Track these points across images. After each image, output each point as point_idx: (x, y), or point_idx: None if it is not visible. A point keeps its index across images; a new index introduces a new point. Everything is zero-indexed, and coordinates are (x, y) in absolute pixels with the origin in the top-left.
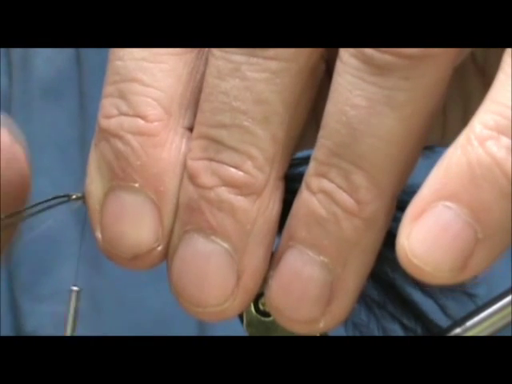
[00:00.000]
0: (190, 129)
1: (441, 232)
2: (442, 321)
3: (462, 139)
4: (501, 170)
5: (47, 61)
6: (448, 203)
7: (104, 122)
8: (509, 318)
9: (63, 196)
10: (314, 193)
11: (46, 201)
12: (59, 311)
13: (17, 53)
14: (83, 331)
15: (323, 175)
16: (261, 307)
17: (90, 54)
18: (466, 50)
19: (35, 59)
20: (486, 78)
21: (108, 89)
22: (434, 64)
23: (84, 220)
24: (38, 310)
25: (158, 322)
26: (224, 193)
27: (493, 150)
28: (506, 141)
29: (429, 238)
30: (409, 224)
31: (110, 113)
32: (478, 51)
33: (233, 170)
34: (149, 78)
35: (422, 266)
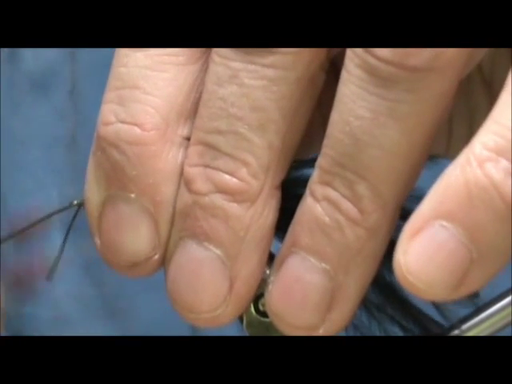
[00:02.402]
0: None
1: (435, 251)
2: (442, 323)
3: (461, 159)
4: (498, 192)
5: (37, 54)
6: (444, 222)
7: (102, 130)
8: (509, 318)
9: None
10: (318, 200)
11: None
12: (38, 314)
13: None
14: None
15: (328, 183)
16: (261, 308)
17: (84, 51)
18: (473, 63)
19: (24, 52)
20: (492, 90)
21: (109, 95)
22: (439, 77)
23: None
24: (20, 312)
25: (149, 332)
26: (218, 199)
27: (491, 172)
28: (504, 163)
29: (424, 256)
30: (406, 241)
31: (109, 120)
32: (485, 64)
33: (227, 176)
34: (150, 86)
35: (416, 283)
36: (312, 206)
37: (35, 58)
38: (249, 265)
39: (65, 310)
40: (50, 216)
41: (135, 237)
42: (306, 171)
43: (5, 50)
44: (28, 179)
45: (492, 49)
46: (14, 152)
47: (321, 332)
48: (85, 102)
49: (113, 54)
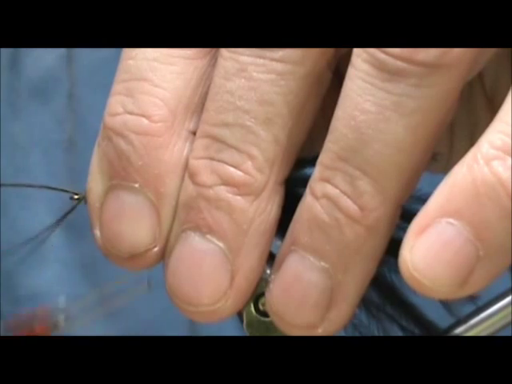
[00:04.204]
0: (196, 133)
1: (442, 248)
2: (441, 323)
3: (469, 157)
4: (505, 190)
5: (37, 60)
6: (451, 220)
7: (109, 120)
8: (509, 318)
9: (63, 190)
10: (317, 198)
11: (49, 187)
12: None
13: (6, 50)
14: None
15: (327, 180)
16: (261, 307)
17: (80, 54)
18: (478, 66)
19: (25, 58)
20: (494, 105)
21: (117, 87)
22: (446, 74)
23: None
24: (16, 312)
25: (147, 332)
26: (222, 191)
27: (498, 169)
28: (511, 162)
29: (430, 253)
30: (412, 238)
31: (116, 111)
32: (488, 79)
33: (232, 169)
34: (158, 78)
35: (421, 280)
36: (311, 204)
37: (35, 65)
38: (250, 259)
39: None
40: (59, 222)
41: (136, 227)
42: (307, 170)
43: (6, 57)
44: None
45: (495, 64)
46: (14, 157)
47: (320, 331)
48: (82, 106)
49: (109, 58)
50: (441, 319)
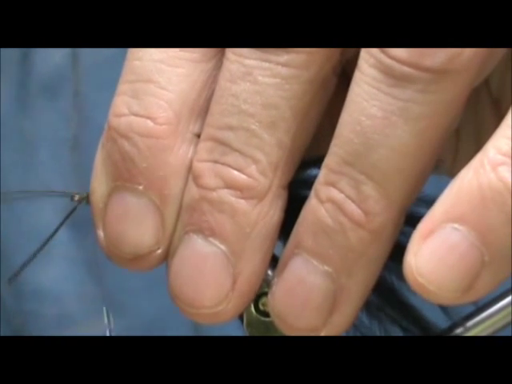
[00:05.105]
0: (200, 136)
1: (447, 253)
2: (441, 324)
3: (475, 162)
4: (511, 195)
5: (45, 58)
6: (456, 225)
7: (114, 121)
8: (509, 318)
9: (65, 193)
10: (322, 201)
11: (50, 192)
12: (41, 311)
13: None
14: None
15: (332, 184)
16: (261, 307)
17: (86, 53)
18: (485, 72)
19: (35, 55)
20: (500, 109)
21: (122, 87)
22: (453, 80)
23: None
24: (22, 309)
25: (151, 330)
26: (226, 195)
27: (505, 175)
28: None
29: (435, 258)
30: (417, 242)
31: (121, 111)
32: (494, 82)
33: (236, 172)
34: (164, 80)
35: (426, 285)
36: (316, 208)
37: (44, 62)
38: (252, 262)
39: (68, 308)
40: (61, 224)
41: (140, 229)
42: (310, 172)
43: (16, 54)
44: (36, 180)
45: (501, 67)
46: (23, 152)
47: (322, 334)
48: (87, 104)
49: (114, 56)
50: (440, 320)
